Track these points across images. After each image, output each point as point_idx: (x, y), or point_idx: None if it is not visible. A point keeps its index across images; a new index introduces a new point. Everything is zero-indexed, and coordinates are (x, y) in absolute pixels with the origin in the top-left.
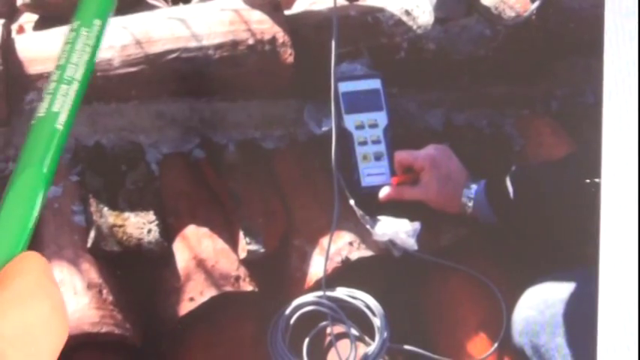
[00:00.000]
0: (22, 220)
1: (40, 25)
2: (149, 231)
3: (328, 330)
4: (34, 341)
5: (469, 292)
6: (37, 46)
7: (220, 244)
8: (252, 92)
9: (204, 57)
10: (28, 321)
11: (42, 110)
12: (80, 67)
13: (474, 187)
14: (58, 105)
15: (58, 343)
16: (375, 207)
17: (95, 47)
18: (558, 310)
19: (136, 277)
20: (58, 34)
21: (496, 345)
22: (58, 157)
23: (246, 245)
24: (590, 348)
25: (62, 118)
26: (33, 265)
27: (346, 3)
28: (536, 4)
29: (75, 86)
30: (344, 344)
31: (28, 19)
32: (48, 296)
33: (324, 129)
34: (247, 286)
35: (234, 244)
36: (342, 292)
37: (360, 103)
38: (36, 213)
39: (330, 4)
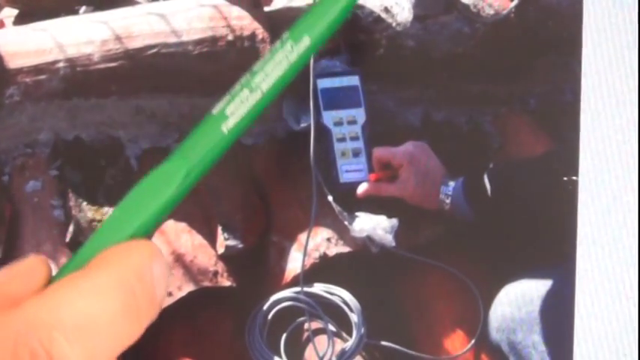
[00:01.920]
0: (148, 206)
1: (20, 20)
2: None
3: (306, 326)
4: (93, 338)
5: (446, 289)
6: (18, 41)
7: (199, 239)
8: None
9: (184, 53)
10: (93, 314)
11: (216, 109)
12: (270, 78)
13: (451, 184)
14: (232, 109)
15: (119, 347)
16: (353, 203)
17: (295, 65)
18: (535, 307)
19: None
20: (39, 28)
21: (473, 341)
22: (211, 160)
23: (224, 241)
24: (567, 345)
25: (230, 122)
26: (132, 257)
27: None
28: (515, 2)
29: (257, 95)
30: (321, 340)
31: (9, 13)
32: (126, 294)
33: (303, 125)
34: (225, 282)
35: (212, 240)
36: (319, 288)
37: (338, 99)
38: (166, 205)
39: (310, 1)
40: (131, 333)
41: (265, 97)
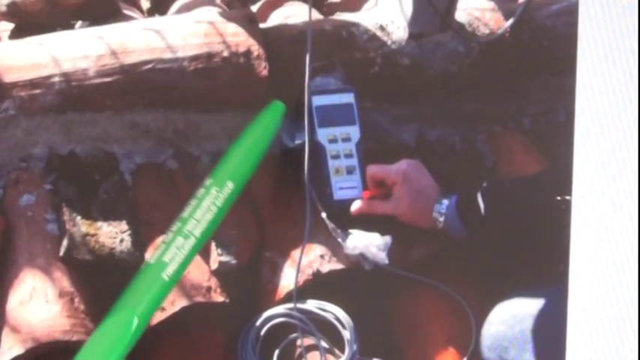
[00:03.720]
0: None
1: (15, 34)
2: (121, 240)
3: (298, 342)
4: None
5: (439, 307)
6: (13, 55)
7: None
8: (226, 104)
9: (179, 68)
10: None
11: (153, 257)
12: (202, 224)
13: (445, 202)
14: (170, 256)
15: None
16: (346, 220)
17: (222, 209)
18: (527, 325)
19: (107, 287)
20: (34, 42)
21: (465, 359)
22: (155, 306)
23: (218, 256)
24: None
25: (170, 269)
26: None
27: (321, 17)
28: (510, 21)
29: (191, 242)
30: (314, 356)
31: (4, 27)
32: None
33: (297, 142)
34: (218, 297)
35: (206, 255)
36: (312, 305)
37: (333, 116)
38: (122, 354)
39: (305, 18)
40: None
41: (199, 241)
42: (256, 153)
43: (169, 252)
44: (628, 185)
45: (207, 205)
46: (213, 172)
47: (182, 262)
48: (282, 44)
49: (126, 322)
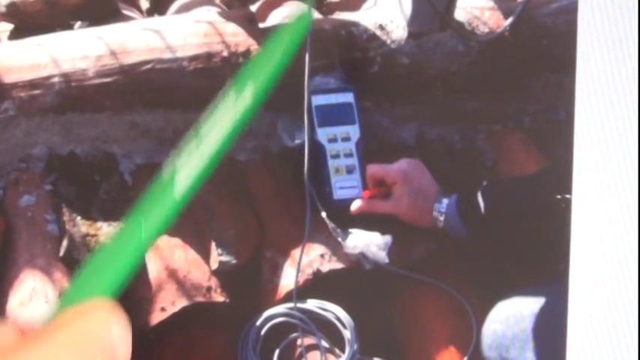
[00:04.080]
0: (112, 267)
1: (15, 35)
2: None
3: (299, 341)
4: None
5: (439, 306)
6: (12, 56)
7: (192, 254)
8: None
9: (179, 68)
10: None
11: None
12: (219, 129)
13: (445, 201)
14: (182, 162)
15: None
16: (346, 220)
17: (242, 116)
18: (528, 324)
19: None
20: (34, 43)
21: (466, 359)
22: (167, 221)
23: (218, 256)
24: None
25: (182, 182)
26: (90, 322)
27: (320, 17)
28: (509, 20)
29: (208, 147)
30: (314, 356)
31: (3, 28)
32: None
33: (297, 142)
34: (219, 297)
35: (206, 255)
36: (312, 304)
37: (332, 116)
38: (128, 265)
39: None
40: None
41: (216, 148)
42: (281, 60)
43: (181, 159)
44: (629, 183)
45: (225, 111)
46: (235, 79)
47: (195, 171)
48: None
49: (135, 232)
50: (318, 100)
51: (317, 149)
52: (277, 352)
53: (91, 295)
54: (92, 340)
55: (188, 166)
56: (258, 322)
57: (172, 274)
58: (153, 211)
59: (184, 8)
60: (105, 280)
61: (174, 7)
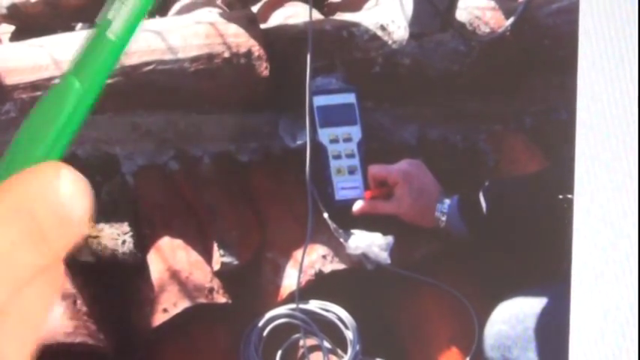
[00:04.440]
0: (50, 126)
1: (16, 36)
2: (123, 242)
3: (301, 342)
4: None
5: (441, 306)
6: (14, 57)
7: (194, 255)
8: (227, 105)
9: (180, 69)
10: None
11: (98, 18)
12: None
13: (447, 201)
14: (112, 14)
15: (24, 274)
16: (348, 220)
17: None
18: (530, 324)
19: (110, 288)
20: (35, 45)
21: (468, 359)
22: (105, 71)
23: (220, 257)
24: None
25: (115, 27)
26: (33, 181)
27: (322, 17)
28: (510, 20)
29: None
30: (317, 357)
31: (5, 29)
32: (23, 219)
33: (299, 142)
34: (221, 298)
35: (208, 256)
36: (315, 305)
37: (334, 116)
38: (69, 122)
39: (306, 19)
40: (37, 258)
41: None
42: None
43: (111, 11)
44: (630, 183)
45: None
46: None
47: (129, 19)
48: (283, 44)
49: (70, 87)
50: (320, 100)
51: (318, 150)
52: (279, 353)
53: (33, 161)
54: (32, 198)
55: (122, 11)
56: (261, 323)
57: (174, 275)
58: (91, 61)
59: (185, 9)
60: (46, 141)
61: (175, 8)
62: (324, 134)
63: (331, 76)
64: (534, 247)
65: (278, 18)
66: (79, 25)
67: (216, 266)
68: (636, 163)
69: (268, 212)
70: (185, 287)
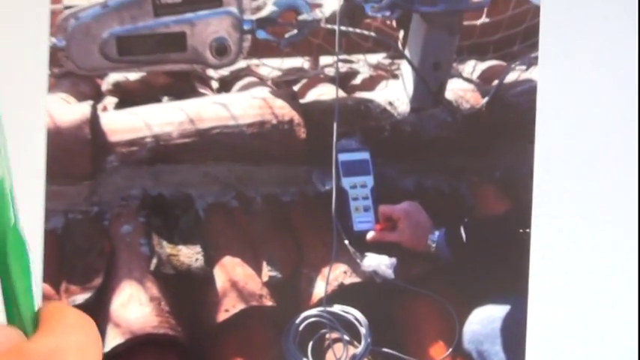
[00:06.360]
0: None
1: (119, 106)
2: (196, 260)
3: (327, 336)
4: None
5: (431, 310)
6: (117, 121)
7: (249, 270)
8: (274, 159)
9: (239, 132)
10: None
11: None
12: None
13: (436, 233)
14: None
15: None
16: (363, 246)
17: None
18: (497, 325)
19: (186, 294)
20: (132, 112)
21: (451, 350)
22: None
23: (267, 272)
24: (519, 352)
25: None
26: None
27: (345, 95)
28: (485, 99)
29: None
30: (338, 346)
31: (110, 100)
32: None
33: (327, 187)
34: (268, 302)
35: (259, 271)
36: (337, 308)
37: (353, 169)
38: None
39: (334, 96)
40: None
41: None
42: None
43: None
44: (582, 219)
45: None
46: None
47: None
48: (316, 115)
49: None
50: (343, 157)
51: (342, 193)
52: (311, 343)
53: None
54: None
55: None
56: (297, 321)
57: (234, 284)
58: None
59: (244, 88)
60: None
61: (236, 87)
62: (346, 182)
63: (351, 139)
64: (501, 268)
65: (313, 95)
66: (165, 98)
67: (265, 278)
68: (581, 214)
69: (304, 239)
70: (241, 293)
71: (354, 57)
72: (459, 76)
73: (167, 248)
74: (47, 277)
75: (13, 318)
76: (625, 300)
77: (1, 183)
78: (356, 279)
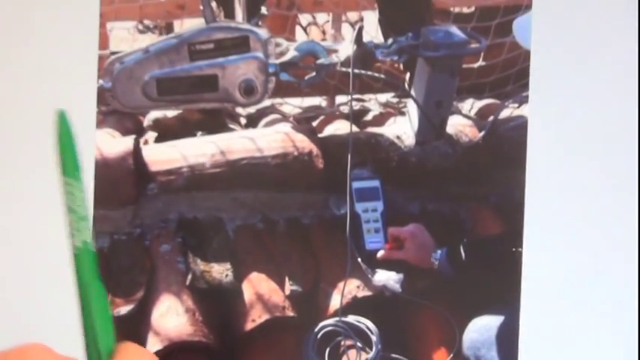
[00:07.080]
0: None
1: (158, 140)
2: (226, 275)
3: (342, 343)
4: None
5: (435, 320)
6: (157, 153)
7: (273, 285)
8: (295, 186)
9: (265, 163)
10: None
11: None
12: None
13: (439, 251)
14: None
15: None
16: (374, 263)
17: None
18: (493, 333)
19: (217, 305)
20: (170, 145)
21: (452, 355)
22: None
23: (289, 286)
24: (513, 358)
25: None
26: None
27: (358, 130)
28: (482, 133)
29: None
30: (352, 352)
31: (151, 135)
32: None
33: (342, 212)
34: (290, 313)
35: (282, 285)
36: (352, 319)
37: (365, 195)
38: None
39: (348, 131)
40: None
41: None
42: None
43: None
44: (569, 239)
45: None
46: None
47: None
48: (332, 147)
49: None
50: (356, 184)
51: (355, 217)
52: (328, 350)
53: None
54: None
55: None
56: (316, 330)
57: (259, 297)
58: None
59: (269, 123)
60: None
61: (262, 123)
62: (359, 207)
63: (364, 168)
64: (496, 282)
65: (329, 130)
66: (199, 132)
67: (287, 292)
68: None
69: (322, 257)
70: (266, 305)
71: (366, 96)
72: (459, 112)
73: (201, 265)
74: None
75: (91, 356)
76: (610, 309)
77: (88, 245)
78: (368, 292)
